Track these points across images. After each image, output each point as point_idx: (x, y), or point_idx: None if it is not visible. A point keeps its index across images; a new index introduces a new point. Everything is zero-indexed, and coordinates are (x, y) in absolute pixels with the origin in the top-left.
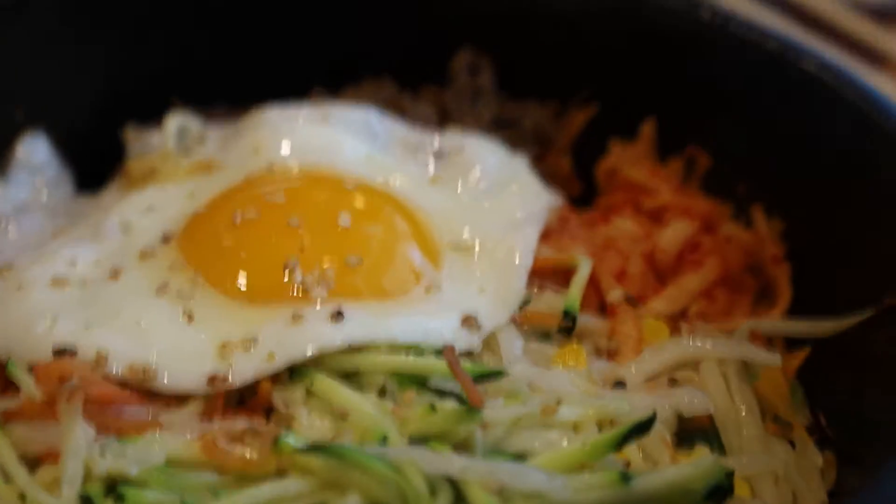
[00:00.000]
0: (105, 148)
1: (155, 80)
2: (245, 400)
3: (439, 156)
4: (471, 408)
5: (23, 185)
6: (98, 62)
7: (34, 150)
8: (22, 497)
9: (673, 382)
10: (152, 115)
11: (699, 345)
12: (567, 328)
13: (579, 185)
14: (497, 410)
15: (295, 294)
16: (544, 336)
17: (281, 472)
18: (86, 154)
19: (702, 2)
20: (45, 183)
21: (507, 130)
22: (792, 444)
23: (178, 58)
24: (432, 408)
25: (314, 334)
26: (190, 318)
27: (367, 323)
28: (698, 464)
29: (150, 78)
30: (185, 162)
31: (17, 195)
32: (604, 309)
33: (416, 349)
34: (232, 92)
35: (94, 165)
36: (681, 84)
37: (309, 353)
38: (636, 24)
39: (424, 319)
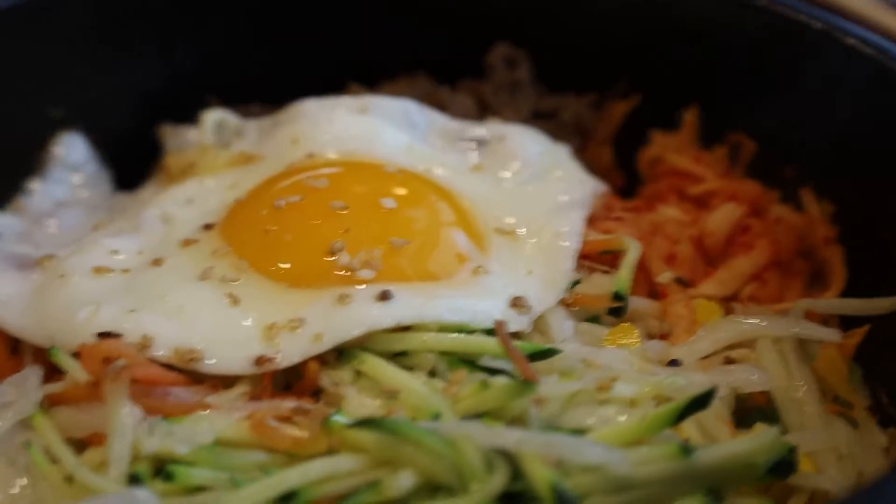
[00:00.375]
0: (141, 150)
1: (190, 82)
2: (291, 385)
3: (481, 145)
4: (525, 381)
5: (61, 183)
6: (133, 64)
7: (72, 149)
8: (68, 479)
9: (728, 361)
10: (188, 118)
11: (754, 323)
12: (617, 310)
13: (621, 176)
14: (551, 386)
15: (341, 276)
16: (594, 318)
17: (332, 452)
18: (123, 155)
19: None
20: (84, 181)
21: (546, 122)
22: (853, 423)
23: (213, 60)
24: (484, 384)
25: (362, 314)
26: (235, 301)
27: (415, 303)
28: (760, 437)
29: (186, 80)
30: (224, 155)
31: (55, 192)
32: (654, 294)
33: (465, 329)
34: (266, 92)
35: (132, 167)
36: (722, 70)
37: (357, 333)
38: (673, 12)
39: (472, 301)
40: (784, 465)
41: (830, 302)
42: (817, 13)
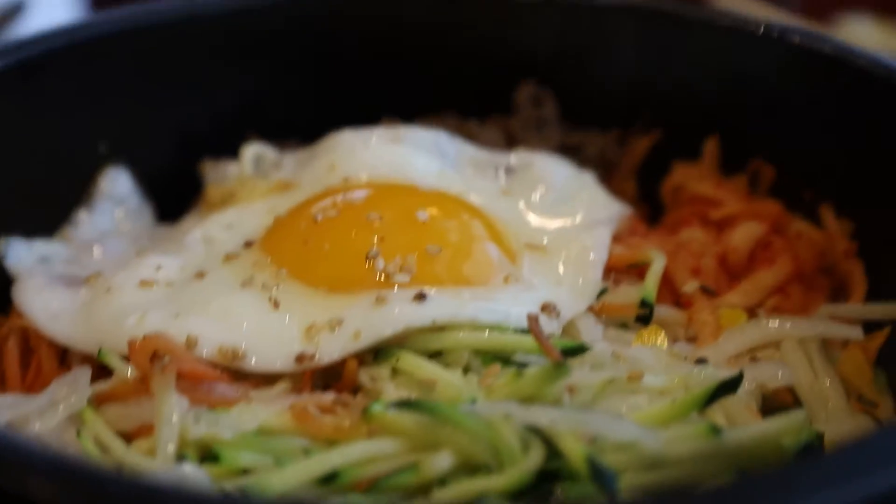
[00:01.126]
0: (183, 185)
1: (231, 121)
2: (330, 386)
3: (509, 171)
4: (557, 364)
5: (106, 214)
6: (177, 103)
7: (117, 182)
8: (118, 468)
9: (754, 361)
10: (228, 154)
11: (779, 325)
12: (644, 317)
13: (645, 209)
14: (584, 374)
15: (377, 280)
16: (622, 326)
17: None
18: (165, 190)
19: (751, 17)
20: (127, 213)
21: (571, 156)
22: (879, 423)
23: (253, 100)
24: (518, 373)
25: (399, 313)
26: (276, 304)
27: (449, 304)
28: (789, 418)
29: (227, 118)
30: (263, 184)
31: (101, 223)
32: (679, 306)
33: (498, 328)
34: (302, 131)
35: (173, 201)
36: (740, 100)
37: (395, 330)
38: (690, 48)
39: (505, 305)
40: (812, 450)
41: (852, 307)
42: (827, 39)
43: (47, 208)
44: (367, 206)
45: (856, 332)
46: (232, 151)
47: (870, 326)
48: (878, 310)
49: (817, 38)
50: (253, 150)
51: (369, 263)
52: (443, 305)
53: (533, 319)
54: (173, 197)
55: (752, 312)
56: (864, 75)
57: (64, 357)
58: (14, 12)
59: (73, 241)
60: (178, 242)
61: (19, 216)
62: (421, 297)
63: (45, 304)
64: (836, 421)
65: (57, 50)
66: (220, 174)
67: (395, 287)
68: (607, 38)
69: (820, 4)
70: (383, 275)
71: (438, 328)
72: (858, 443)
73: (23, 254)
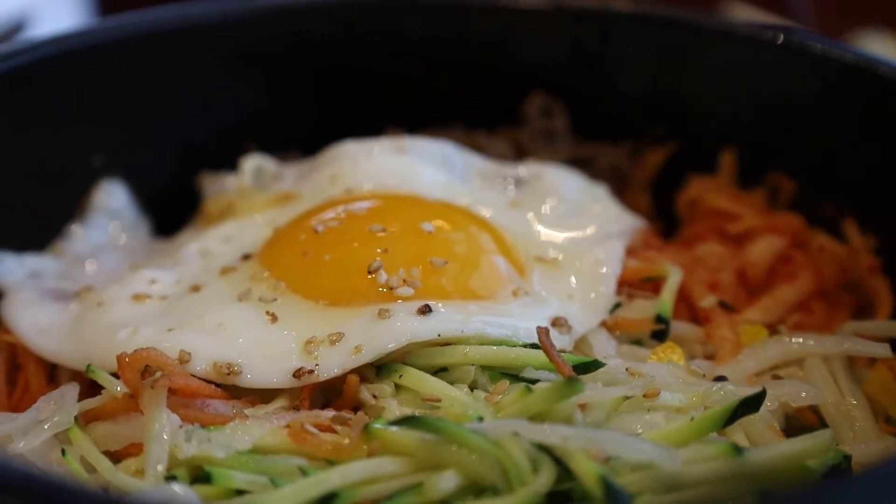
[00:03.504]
0: (180, 199)
1: (230, 133)
2: (330, 402)
3: (518, 183)
4: (569, 380)
5: (101, 229)
6: (174, 115)
7: (112, 196)
8: (104, 490)
9: (776, 379)
10: (227, 167)
11: (802, 342)
12: (660, 333)
13: (659, 223)
14: (597, 391)
15: (380, 293)
16: (637, 343)
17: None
18: (162, 203)
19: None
20: (123, 227)
21: (583, 168)
22: None
23: (253, 112)
24: (528, 389)
25: (402, 327)
26: (273, 318)
27: (455, 318)
28: (814, 438)
29: (226, 131)
30: (262, 196)
31: (95, 237)
32: (696, 322)
33: (506, 343)
34: (303, 143)
35: (170, 215)
36: (757, 112)
37: (398, 345)
38: (705, 58)
39: (513, 319)
40: (839, 472)
41: (878, 324)
42: (849, 48)
43: (39, 222)
44: (370, 218)
45: (884, 350)
46: (231, 164)
47: None
48: None
49: (838, 47)
50: (253, 163)
51: (372, 276)
52: (448, 319)
53: (543, 333)
54: (171, 211)
55: (772, 329)
56: (888, 85)
57: (53, 374)
58: (15, 30)
59: (65, 255)
60: (173, 256)
61: (10, 230)
62: (425, 310)
63: (33, 320)
64: (864, 442)
65: (49, 58)
66: (218, 187)
67: (399, 300)
68: (620, 47)
69: (834, 19)
70: (386, 288)
71: (444, 343)
72: (888, 465)
73: (12, 268)
